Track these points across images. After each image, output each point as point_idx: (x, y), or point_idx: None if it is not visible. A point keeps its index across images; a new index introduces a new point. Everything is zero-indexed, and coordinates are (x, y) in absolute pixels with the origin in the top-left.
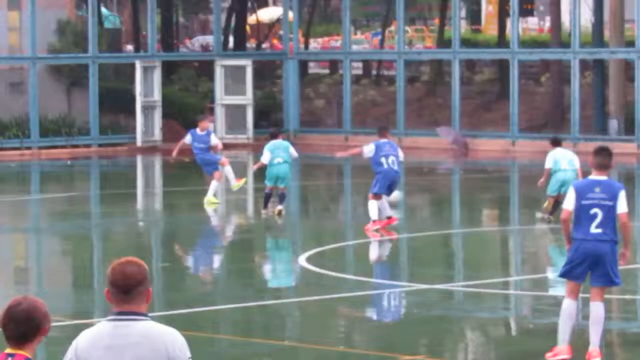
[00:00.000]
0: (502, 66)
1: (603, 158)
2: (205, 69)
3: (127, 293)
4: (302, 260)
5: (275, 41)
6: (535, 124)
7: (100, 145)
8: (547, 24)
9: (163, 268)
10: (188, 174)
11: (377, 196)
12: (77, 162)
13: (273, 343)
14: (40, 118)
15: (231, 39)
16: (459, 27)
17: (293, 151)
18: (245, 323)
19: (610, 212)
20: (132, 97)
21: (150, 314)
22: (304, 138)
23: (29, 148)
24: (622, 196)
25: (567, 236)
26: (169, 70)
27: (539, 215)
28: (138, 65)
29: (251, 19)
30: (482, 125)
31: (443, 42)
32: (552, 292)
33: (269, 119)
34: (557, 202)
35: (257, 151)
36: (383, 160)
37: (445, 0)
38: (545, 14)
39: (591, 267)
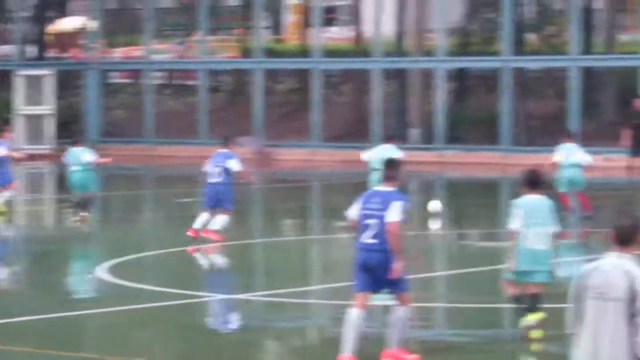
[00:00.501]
0: (305, 76)
1: (388, 170)
2: (4, 79)
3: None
4: (102, 270)
5: (76, 51)
6: (337, 133)
7: None
8: (350, 33)
9: None
10: None
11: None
12: None
13: (69, 355)
14: None
15: (32, 49)
16: (262, 37)
17: (89, 156)
18: (41, 335)
19: (384, 222)
20: None
21: None
22: (106, 148)
23: None
24: (395, 207)
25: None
26: None
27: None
28: None
29: (52, 28)
30: (284, 135)
31: (246, 52)
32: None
33: (70, 129)
34: None
35: (59, 162)
36: (209, 171)
37: (249, 10)
38: (347, 23)
39: (372, 275)
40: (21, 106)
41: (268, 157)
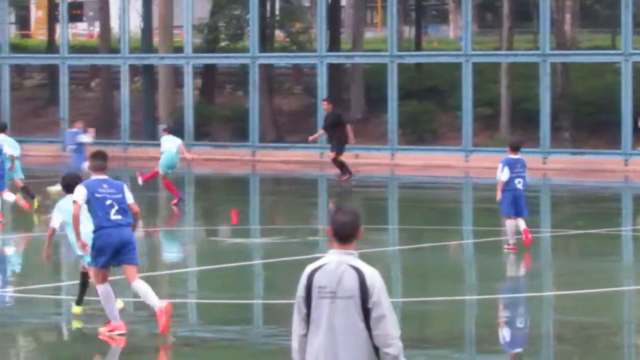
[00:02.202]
0: (52, 71)
1: (99, 161)
2: None
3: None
4: None
5: None
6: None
7: None
8: (97, 29)
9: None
10: None
11: None
12: None
13: None
14: None
15: None
16: (8, 32)
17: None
18: None
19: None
20: None
21: None
22: None
23: None
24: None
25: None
26: None
27: None
28: None
29: None
30: (32, 130)
31: None
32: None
33: None
34: None
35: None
36: None
37: None
38: (94, 19)
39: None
40: None
41: None
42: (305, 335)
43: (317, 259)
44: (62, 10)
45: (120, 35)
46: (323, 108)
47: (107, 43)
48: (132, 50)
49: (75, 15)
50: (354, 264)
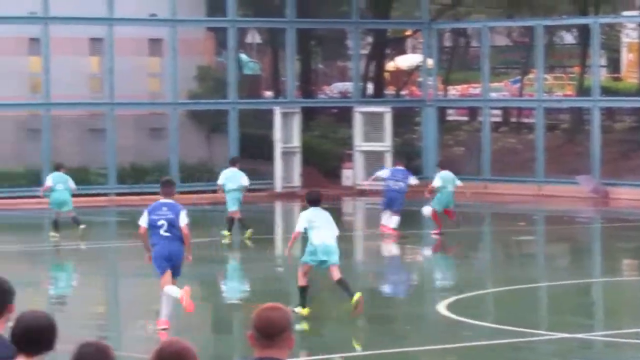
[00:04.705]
0: None
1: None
2: (344, 116)
3: (270, 338)
4: (441, 307)
5: (413, 88)
6: None
7: None
8: None
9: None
10: None
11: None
12: (216, 207)
13: None
14: (180, 163)
15: (370, 86)
16: (599, 75)
17: (245, 180)
18: None
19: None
20: (271, 143)
21: None
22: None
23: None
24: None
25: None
26: (308, 116)
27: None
28: (277, 112)
29: (390, 65)
30: (622, 173)
31: (583, 90)
32: None
33: (407, 166)
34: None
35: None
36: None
37: (585, 49)
38: None
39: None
40: (359, 142)
41: (606, 196)
42: None
43: None
44: None
45: None
46: None
47: None
48: None
49: None
50: None
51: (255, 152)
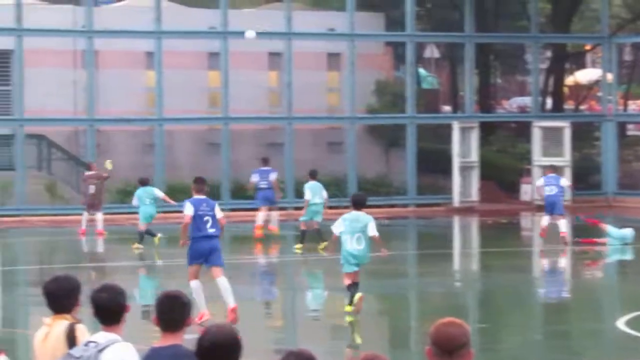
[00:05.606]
0: None
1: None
2: (522, 131)
3: (450, 354)
4: (621, 323)
5: (593, 103)
6: None
7: (417, 205)
8: None
9: (480, 329)
10: (504, 234)
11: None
12: (394, 221)
13: None
14: (359, 177)
15: (549, 101)
16: None
17: (325, 193)
18: None
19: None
20: (449, 158)
21: None
22: (622, 201)
23: (346, 207)
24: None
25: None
26: (486, 131)
27: None
28: (456, 126)
29: (569, 80)
30: None
31: None
32: None
33: (586, 181)
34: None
35: (575, 212)
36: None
37: None
38: None
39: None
40: (538, 157)
41: None
42: None
43: None
44: None
45: None
46: None
47: None
48: None
49: None
50: None
51: (433, 167)
